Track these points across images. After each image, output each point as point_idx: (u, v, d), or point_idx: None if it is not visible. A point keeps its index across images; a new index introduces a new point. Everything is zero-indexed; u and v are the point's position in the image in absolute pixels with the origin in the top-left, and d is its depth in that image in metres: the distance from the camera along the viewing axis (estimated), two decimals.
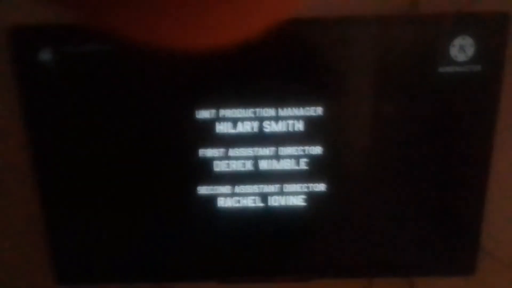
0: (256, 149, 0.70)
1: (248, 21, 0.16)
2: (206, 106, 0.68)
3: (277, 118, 0.69)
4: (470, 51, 0.68)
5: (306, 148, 0.70)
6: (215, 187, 0.72)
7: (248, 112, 0.68)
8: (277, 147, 0.70)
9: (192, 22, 0.15)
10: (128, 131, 0.69)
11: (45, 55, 0.65)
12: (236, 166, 0.70)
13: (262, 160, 0.70)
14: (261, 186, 0.72)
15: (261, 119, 0.69)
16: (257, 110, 0.68)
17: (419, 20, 0.70)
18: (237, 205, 0.73)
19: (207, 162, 0.70)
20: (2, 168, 0.76)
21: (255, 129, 0.69)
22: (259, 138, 0.69)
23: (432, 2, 0.70)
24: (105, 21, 0.16)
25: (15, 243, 0.81)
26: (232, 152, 0.70)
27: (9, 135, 0.73)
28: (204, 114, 0.68)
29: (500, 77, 0.69)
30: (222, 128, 0.69)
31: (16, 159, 0.74)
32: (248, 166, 0.70)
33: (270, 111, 0.68)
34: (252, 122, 0.69)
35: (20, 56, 0.65)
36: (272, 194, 0.72)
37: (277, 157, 0.70)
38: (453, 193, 0.76)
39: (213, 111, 0.68)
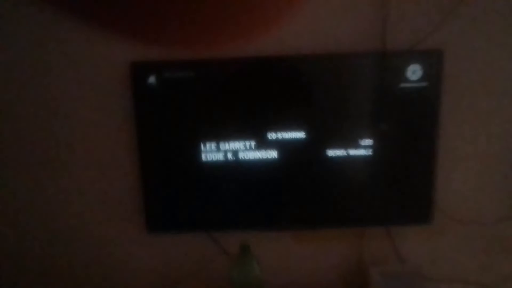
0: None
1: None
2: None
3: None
4: (419, 73, 1.06)
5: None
6: None
7: None
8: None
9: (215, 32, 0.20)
10: (203, 127, 1.08)
11: (152, 80, 1.03)
12: None
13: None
14: None
15: None
16: None
17: (386, 54, 1.09)
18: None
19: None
20: (115, 147, 1.14)
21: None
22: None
23: (395, 41, 1.09)
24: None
25: (111, 199, 1.18)
26: None
27: (123, 129, 1.12)
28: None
29: (439, 89, 1.08)
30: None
31: (124, 141, 1.13)
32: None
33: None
34: None
35: (135, 80, 1.04)
36: None
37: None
38: (414, 165, 1.13)
39: None
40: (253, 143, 1.10)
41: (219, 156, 1.10)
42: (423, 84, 1.07)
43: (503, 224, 1.20)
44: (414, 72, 1.07)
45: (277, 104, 1.09)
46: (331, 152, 1.11)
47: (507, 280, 1.24)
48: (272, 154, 1.10)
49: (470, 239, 1.22)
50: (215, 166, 1.11)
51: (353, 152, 1.11)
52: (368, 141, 1.11)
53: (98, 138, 1.13)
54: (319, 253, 1.23)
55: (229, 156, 1.10)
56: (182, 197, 1.14)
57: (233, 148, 1.10)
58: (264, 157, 1.10)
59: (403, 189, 1.16)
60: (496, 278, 1.24)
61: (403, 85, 1.07)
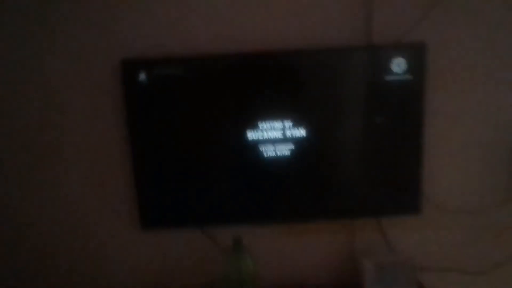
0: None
1: None
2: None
3: None
4: (404, 66, 1.09)
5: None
6: None
7: None
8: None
9: None
10: (194, 123, 1.09)
11: (142, 77, 1.05)
12: None
13: None
14: None
15: None
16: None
17: (372, 48, 1.11)
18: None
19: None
20: (107, 144, 1.15)
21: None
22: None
23: (380, 36, 1.12)
24: None
25: (105, 197, 1.19)
26: None
27: (115, 125, 1.13)
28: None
29: (423, 82, 1.11)
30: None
31: (115, 137, 1.14)
32: None
33: None
34: None
35: (126, 77, 1.06)
36: None
37: None
38: (402, 157, 1.16)
39: None
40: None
41: (210, 152, 1.12)
42: (408, 76, 1.10)
43: (489, 212, 1.23)
44: (398, 65, 1.10)
45: (266, 99, 1.11)
46: (322, 146, 1.13)
47: (497, 267, 1.26)
48: None
49: (459, 228, 1.25)
50: (206, 162, 1.12)
51: (343, 145, 1.14)
52: (357, 135, 1.13)
53: (91, 136, 1.14)
54: (312, 246, 1.25)
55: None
56: (175, 194, 1.15)
57: None
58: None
59: (392, 181, 1.18)
60: (485, 265, 1.27)
61: (388, 78, 1.10)
